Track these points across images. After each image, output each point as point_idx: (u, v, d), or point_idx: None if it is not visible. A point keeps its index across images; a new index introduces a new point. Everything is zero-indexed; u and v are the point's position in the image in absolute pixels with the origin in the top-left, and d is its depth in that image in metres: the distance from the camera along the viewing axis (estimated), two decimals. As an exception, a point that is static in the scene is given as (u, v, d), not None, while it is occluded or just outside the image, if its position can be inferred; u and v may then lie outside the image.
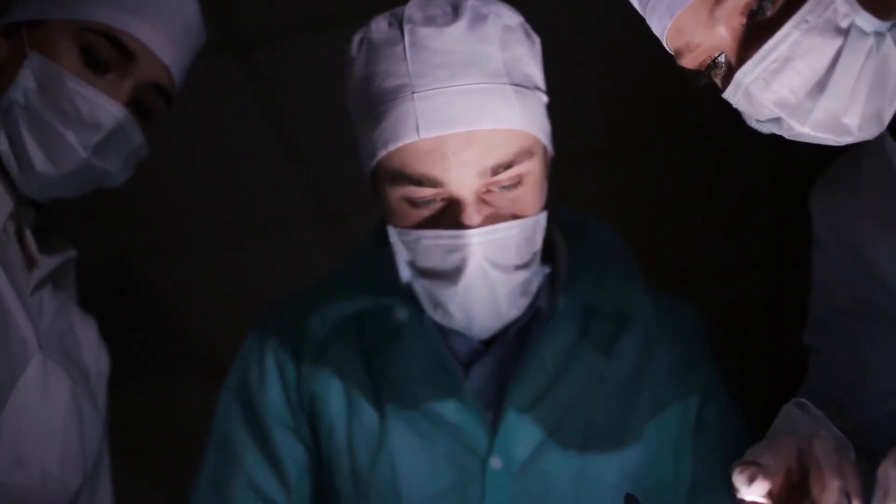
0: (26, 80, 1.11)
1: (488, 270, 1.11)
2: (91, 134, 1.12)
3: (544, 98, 1.18)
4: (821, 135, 0.90)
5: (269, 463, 1.23)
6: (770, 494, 0.79)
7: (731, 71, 0.91)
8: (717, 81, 0.94)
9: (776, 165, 1.93)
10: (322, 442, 1.22)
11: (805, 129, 0.90)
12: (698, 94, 0.98)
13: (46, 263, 1.18)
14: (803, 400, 0.88)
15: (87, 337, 1.27)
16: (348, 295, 1.25)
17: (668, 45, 0.95)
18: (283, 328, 1.28)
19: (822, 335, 1.15)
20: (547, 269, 1.22)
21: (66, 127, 1.11)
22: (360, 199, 1.26)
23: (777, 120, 0.91)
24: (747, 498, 0.79)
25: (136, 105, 1.16)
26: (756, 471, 0.78)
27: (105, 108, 1.12)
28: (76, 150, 1.12)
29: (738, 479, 0.79)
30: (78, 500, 1.19)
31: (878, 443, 0.82)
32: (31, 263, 1.17)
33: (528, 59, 1.16)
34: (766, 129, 0.94)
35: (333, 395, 1.22)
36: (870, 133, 0.90)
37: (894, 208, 1.03)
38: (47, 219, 1.23)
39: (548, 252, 1.24)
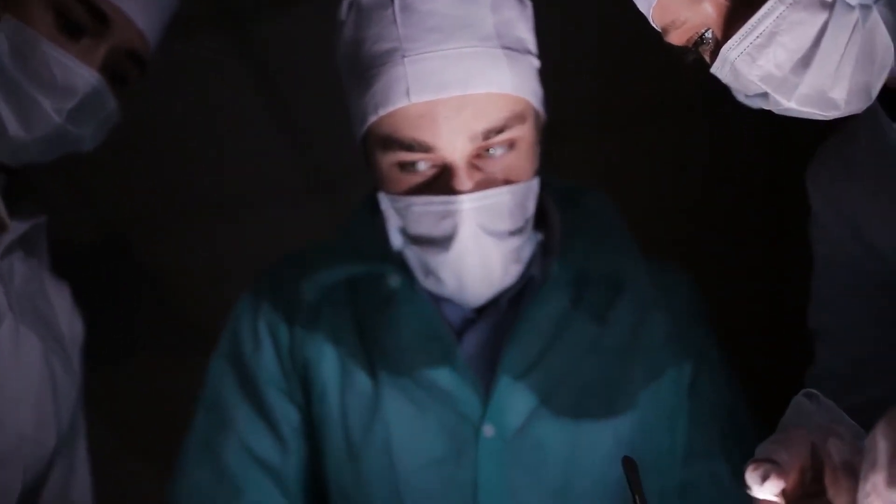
0: (0, 44, 1.09)
1: (480, 236, 1.11)
2: (65, 99, 1.12)
3: (536, 62, 1.19)
4: (807, 109, 0.91)
5: (264, 424, 1.24)
6: (784, 493, 0.76)
7: (718, 47, 0.92)
8: (706, 57, 0.95)
9: (773, 143, 1.90)
10: (314, 408, 1.23)
11: (791, 104, 0.91)
12: (692, 70, 0.96)
13: (16, 228, 1.18)
14: (814, 391, 0.86)
15: (60, 302, 1.27)
16: (340, 261, 1.25)
17: (655, 23, 0.96)
18: (274, 294, 1.28)
19: (827, 315, 1.16)
20: (539, 237, 1.21)
21: (40, 92, 1.11)
22: (355, 170, 1.25)
23: (764, 95, 0.92)
24: (760, 496, 0.76)
25: (110, 71, 1.16)
26: (770, 468, 0.75)
27: (79, 73, 1.12)
28: (50, 116, 1.12)
29: (751, 478, 0.75)
30: (54, 465, 1.21)
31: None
32: (0, 228, 1.16)
33: (520, 23, 1.16)
34: (754, 104, 0.95)
35: (327, 360, 1.23)
36: (857, 107, 0.92)
37: (892, 183, 1.03)
38: (19, 184, 1.22)
39: (540, 220, 1.23)
